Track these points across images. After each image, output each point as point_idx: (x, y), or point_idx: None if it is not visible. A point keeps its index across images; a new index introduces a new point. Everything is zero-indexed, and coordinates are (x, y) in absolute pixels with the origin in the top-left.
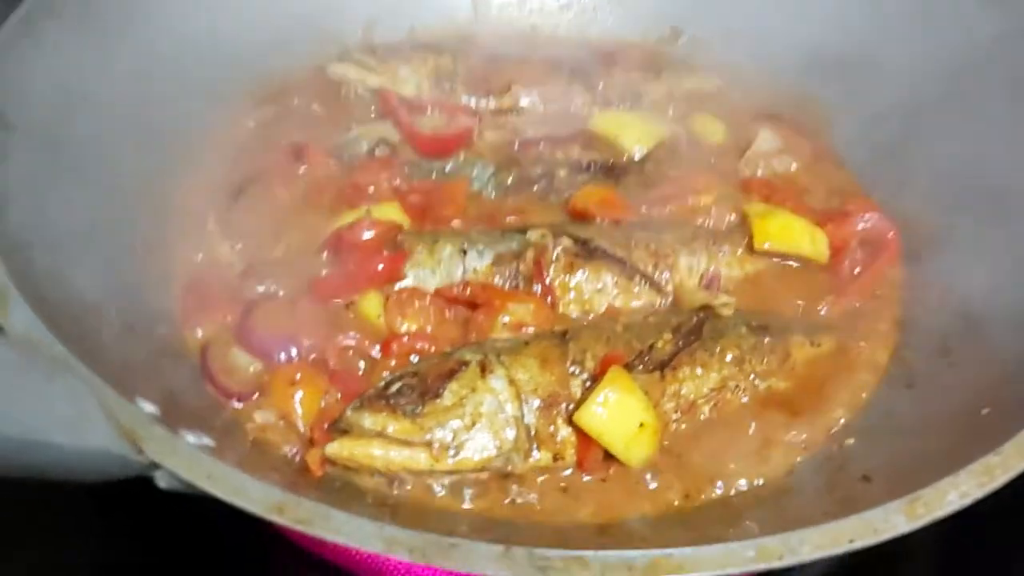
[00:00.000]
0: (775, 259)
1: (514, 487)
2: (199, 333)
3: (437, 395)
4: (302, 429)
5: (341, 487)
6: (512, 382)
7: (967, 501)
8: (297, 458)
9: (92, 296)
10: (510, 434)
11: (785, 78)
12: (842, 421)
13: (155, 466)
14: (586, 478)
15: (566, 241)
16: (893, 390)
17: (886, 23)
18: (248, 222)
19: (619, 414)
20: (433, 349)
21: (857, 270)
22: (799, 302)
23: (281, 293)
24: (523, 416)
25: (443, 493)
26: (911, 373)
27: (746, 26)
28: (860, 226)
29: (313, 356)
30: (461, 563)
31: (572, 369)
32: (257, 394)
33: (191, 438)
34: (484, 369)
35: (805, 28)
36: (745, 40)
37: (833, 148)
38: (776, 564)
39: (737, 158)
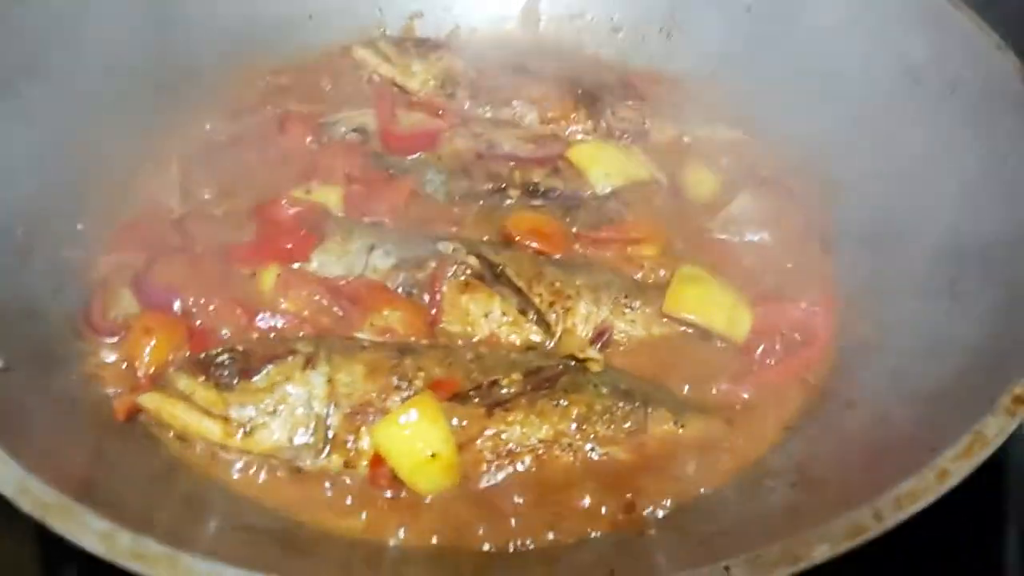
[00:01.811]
0: (686, 327)
1: (301, 480)
2: (105, 266)
3: (253, 375)
4: (140, 376)
5: (142, 435)
6: (330, 381)
7: None
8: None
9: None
10: (306, 431)
11: (811, 146)
12: (660, 514)
13: None
14: (388, 493)
15: (472, 260)
16: (739, 493)
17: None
18: (207, 177)
19: (413, 438)
20: (301, 333)
21: (771, 361)
22: (693, 378)
23: (197, 249)
24: (327, 417)
25: (239, 468)
26: (760, 481)
27: (786, 86)
28: (793, 315)
29: (187, 312)
30: (61, 525)
31: (399, 383)
32: (117, 337)
33: None
34: (309, 362)
35: (842, 100)
36: (781, 99)
37: (828, 230)
38: None
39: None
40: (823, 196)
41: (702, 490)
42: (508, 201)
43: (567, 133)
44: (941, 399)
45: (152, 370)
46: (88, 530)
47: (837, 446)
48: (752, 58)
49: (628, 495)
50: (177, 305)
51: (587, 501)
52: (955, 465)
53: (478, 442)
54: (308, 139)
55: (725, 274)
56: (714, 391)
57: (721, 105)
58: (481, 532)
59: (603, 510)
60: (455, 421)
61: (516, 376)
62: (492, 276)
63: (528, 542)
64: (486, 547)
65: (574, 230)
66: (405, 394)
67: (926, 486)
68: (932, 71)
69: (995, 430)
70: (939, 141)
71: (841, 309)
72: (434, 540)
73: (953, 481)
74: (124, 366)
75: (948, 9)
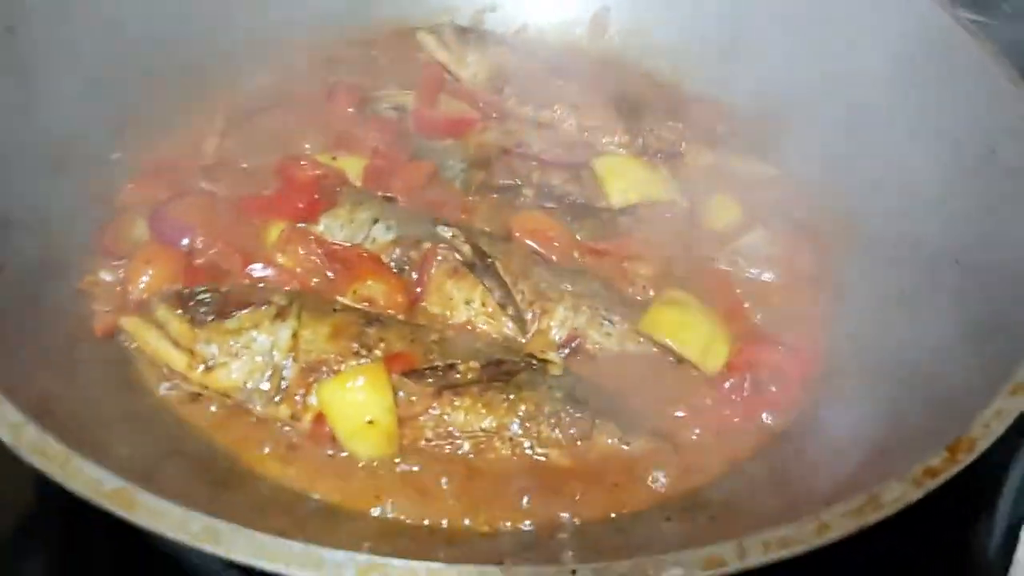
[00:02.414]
0: (659, 349)
1: (252, 421)
2: (128, 194)
3: (227, 316)
4: (130, 299)
5: (114, 354)
6: (295, 336)
7: None
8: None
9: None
10: (261, 377)
11: (845, 196)
12: (578, 521)
13: None
14: (328, 451)
15: (465, 248)
16: (652, 516)
17: None
18: (246, 132)
19: (354, 402)
20: (286, 288)
21: (737, 398)
22: (655, 400)
23: (217, 195)
24: (284, 368)
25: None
26: (685, 510)
27: (832, 132)
28: (770, 358)
29: (191, 250)
30: None
31: (359, 350)
32: (121, 260)
33: None
34: (280, 314)
35: (883, 156)
36: (825, 143)
37: (837, 280)
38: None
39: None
40: (843, 246)
41: (627, 508)
42: (521, 199)
43: (602, 143)
44: (888, 459)
45: (144, 297)
46: (2, 420)
47: (773, 490)
48: (803, 98)
49: (553, 497)
50: (185, 242)
51: (511, 494)
52: (839, 521)
53: (421, 419)
54: (350, 109)
55: (715, 305)
56: (672, 416)
57: (762, 139)
58: (401, 504)
59: (524, 504)
60: (402, 394)
61: (474, 364)
62: (482, 266)
63: (442, 522)
64: (397, 517)
65: (578, 237)
66: (362, 360)
67: (800, 536)
68: (973, 134)
69: (893, 496)
70: (974, 206)
71: (823, 361)
72: (353, 503)
73: (833, 536)
74: (118, 288)
75: (993, 74)
